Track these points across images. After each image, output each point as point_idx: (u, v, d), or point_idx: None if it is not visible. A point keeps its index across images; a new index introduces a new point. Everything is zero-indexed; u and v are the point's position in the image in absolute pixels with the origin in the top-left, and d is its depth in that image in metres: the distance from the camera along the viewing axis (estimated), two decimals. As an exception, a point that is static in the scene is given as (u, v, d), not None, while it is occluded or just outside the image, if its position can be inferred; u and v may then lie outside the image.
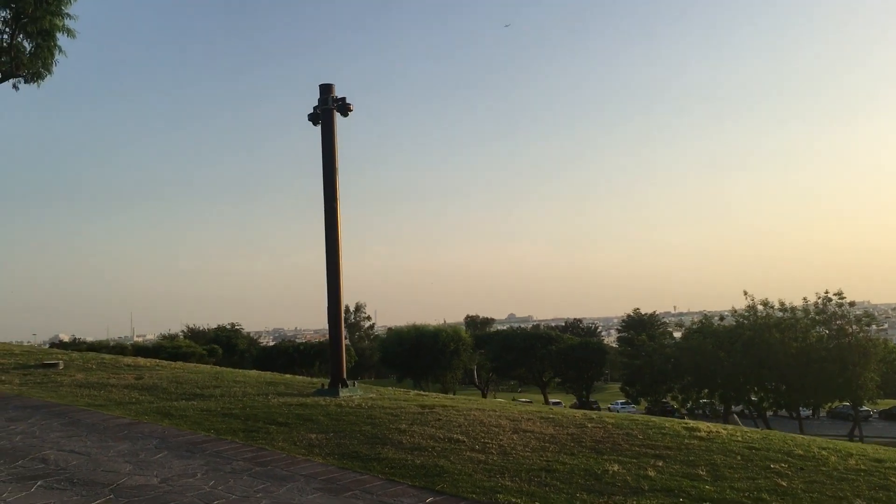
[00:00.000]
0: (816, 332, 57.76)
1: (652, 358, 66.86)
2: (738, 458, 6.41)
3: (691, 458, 6.34)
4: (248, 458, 6.27)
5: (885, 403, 73.24)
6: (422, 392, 10.85)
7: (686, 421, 8.63)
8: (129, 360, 14.76)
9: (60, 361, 12.63)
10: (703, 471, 5.91)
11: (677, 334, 75.65)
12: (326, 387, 9.66)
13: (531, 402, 68.84)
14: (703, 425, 8.06)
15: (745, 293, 60.88)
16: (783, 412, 62.39)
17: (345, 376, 9.76)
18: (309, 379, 12.54)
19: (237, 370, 13.61)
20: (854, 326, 56.01)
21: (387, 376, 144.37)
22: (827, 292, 57.55)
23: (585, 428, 7.64)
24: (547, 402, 73.77)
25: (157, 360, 15.89)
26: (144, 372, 11.86)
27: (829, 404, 63.39)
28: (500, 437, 6.96)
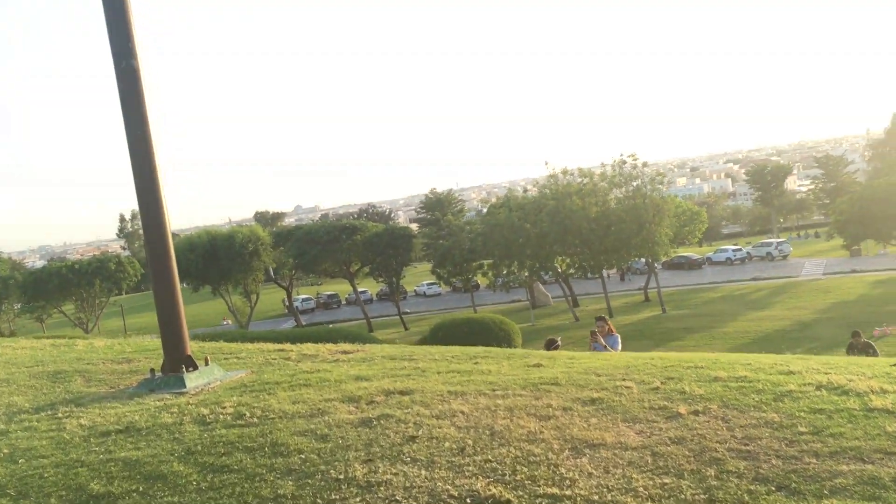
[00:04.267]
0: (614, 196, 59.43)
1: (459, 237, 66.28)
2: None
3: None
4: None
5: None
6: (330, 347, 7.25)
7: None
8: None
9: None
10: None
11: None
12: (159, 373, 5.84)
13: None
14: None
15: (546, 163, 61.32)
16: (590, 276, 64.55)
17: (189, 351, 5.94)
18: (113, 345, 8.42)
19: None
20: (648, 186, 57.97)
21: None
22: (622, 155, 59.08)
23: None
24: (356, 292, 71.78)
25: None
26: None
27: (626, 263, 66.63)
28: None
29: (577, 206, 56.90)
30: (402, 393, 4.84)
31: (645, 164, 59.41)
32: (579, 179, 60.15)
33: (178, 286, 6.08)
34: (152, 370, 5.77)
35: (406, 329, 62.51)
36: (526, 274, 62.95)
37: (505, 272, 63.32)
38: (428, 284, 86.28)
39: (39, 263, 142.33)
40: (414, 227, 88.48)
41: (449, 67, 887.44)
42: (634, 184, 58.16)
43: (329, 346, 7.47)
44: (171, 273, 5.98)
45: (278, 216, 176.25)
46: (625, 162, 58.35)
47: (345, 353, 7.00)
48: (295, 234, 69.40)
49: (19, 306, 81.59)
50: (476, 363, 5.92)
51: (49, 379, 6.06)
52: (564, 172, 60.25)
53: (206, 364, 5.90)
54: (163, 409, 4.90)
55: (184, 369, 5.71)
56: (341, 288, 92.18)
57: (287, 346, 7.56)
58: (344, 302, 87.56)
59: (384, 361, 6.25)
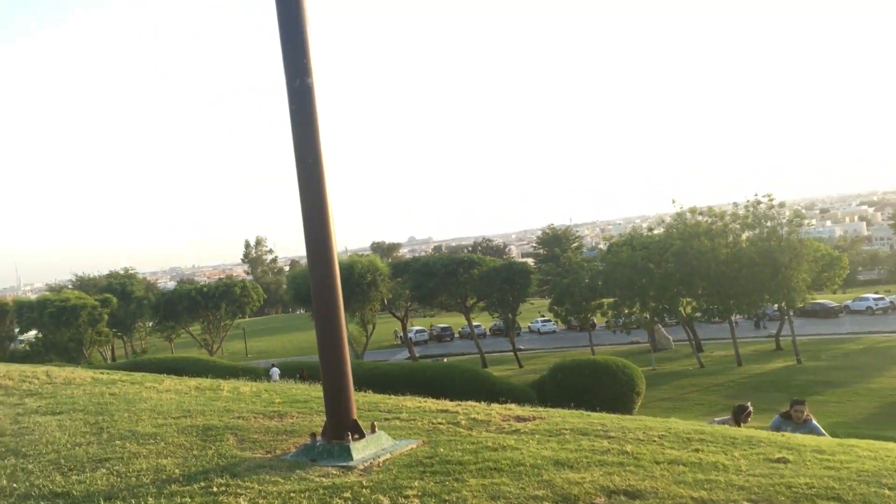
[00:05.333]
0: (747, 237, 56.58)
1: (579, 275, 64.67)
2: None
3: None
4: None
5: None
6: (500, 410, 6.36)
7: None
8: None
9: None
10: None
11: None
12: (320, 439, 5.03)
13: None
14: None
15: (674, 201, 59.23)
16: (716, 320, 61.45)
17: (355, 415, 5.14)
18: (260, 392, 7.76)
19: (141, 395, 7.87)
20: (785, 228, 54.80)
21: (290, 310, 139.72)
22: (756, 195, 56.23)
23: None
24: (471, 326, 71.00)
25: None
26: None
27: (761, 309, 63.02)
28: None
29: (706, 247, 54.48)
30: (629, 495, 3.84)
31: (782, 205, 56.30)
32: (708, 219, 57.61)
33: (346, 340, 5.31)
34: (313, 435, 5.00)
35: (521, 367, 61.20)
36: (648, 316, 60.60)
37: (626, 313, 61.12)
38: (542, 321, 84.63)
39: (170, 285, 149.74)
40: (528, 261, 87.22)
41: (562, 102, 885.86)
42: (769, 225, 55.06)
43: (498, 408, 6.55)
44: (339, 327, 5.22)
45: (394, 247, 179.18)
46: (759, 202, 55.44)
47: (520, 419, 6.07)
48: (412, 266, 69.61)
49: (151, 325, 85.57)
50: (696, 450, 4.85)
51: (199, 436, 5.41)
52: (693, 211, 57.90)
53: (373, 431, 5.08)
54: (332, 491, 4.09)
55: (349, 436, 4.92)
56: (454, 321, 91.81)
57: (450, 405, 6.70)
58: (457, 335, 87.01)
59: (576, 437, 5.26)
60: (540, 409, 6.76)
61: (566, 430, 5.52)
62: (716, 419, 12.99)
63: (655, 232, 65.09)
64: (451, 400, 7.38)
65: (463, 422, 5.92)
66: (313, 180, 5.18)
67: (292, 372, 44.11)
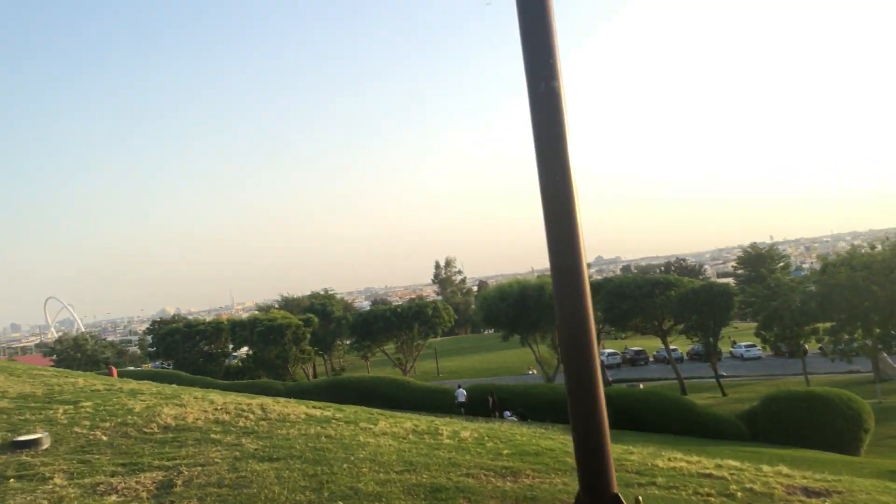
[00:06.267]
0: None
1: (789, 297, 59.63)
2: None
3: None
4: None
5: None
6: (781, 479, 5.18)
7: None
8: (170, 414, 8.20)
9: (44, 436, 6.81)
10: None
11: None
12: (575, 517, 4.05)
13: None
14: None
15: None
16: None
17: (615, 487, 4.14)
18: (483, 440, 6.93)
19: (358, 439, 7.22)
20: None
21: (480, 331, 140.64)
22: None
23: None
24: (668, 350, 67.57)
25: (214, 401, 9.41)
26: (182, 464, 6.30)
27: None
28: None
29: (943, 267, 48.42)
30: None
31: None
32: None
33: (602, 391, 4.31)
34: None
35: (724, 395, 57.18)
36: (871, 342, 54.60)
37: (846, 339, 55.43)
38: (746, 346, 79.08)
39: (365, 304, 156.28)
40: (729, 282, 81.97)
41: (766, 113, 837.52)
42: None
43: (772, 473, 5.31)
44: (595, 375, 4.26)
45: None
46: None
47: (809, 493, 4.82)
48: (605, 288, 67.45)
49: (349, 343, 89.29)
50: None
51: (427, 498, 4.67)
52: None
53: (638, 505, 4.11)
54: None
55: (610, 519, 3.96)
56: (648, 344, 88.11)
57: (711, 466, 5.55)
58: (651, 359, 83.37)
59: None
60: (828, 476, 5.43)
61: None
62: None
63: (878, 250, 58.82)
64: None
65: (738, 494, 4.77)
66: (561, 198, 4.28)
67: (482, 394, 43.82)
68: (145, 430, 6.88)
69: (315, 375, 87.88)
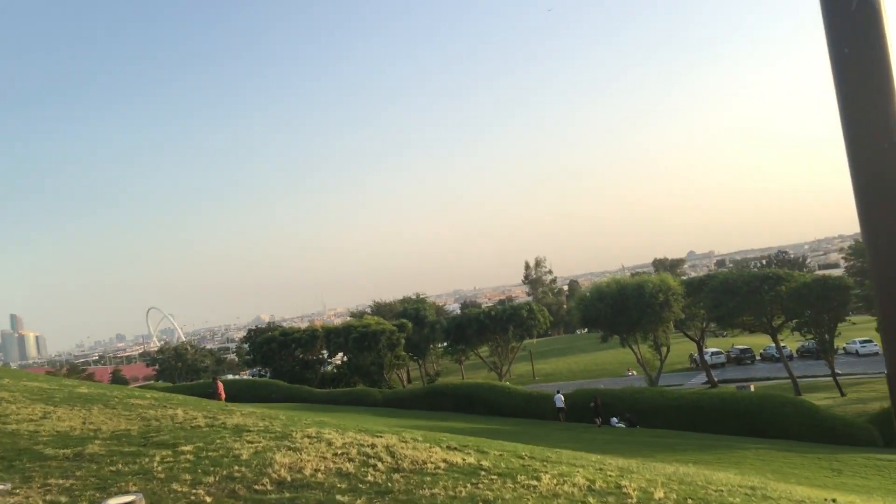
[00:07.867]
0: None
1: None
2: None
3: None
4: None
5: None
6: None
7: None
8: (283, 463, 7.00)
9: (138, 498, 5.17)
10: None
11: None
12: None
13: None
14: None
15: None
16: None
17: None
18: (595, 481, 5.58)
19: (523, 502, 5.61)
20: None
21: (573, 331, 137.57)
22: None
23: None
24: (779, 348, 63.96)
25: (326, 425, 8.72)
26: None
27: None
28: None
29: None
30: None
31: None
32: None
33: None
34: None
35: (842, 394, 53.59)
36: None
37: None
38: (861, 342, 74.17)
39: (455, 307, 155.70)
40: (839, 275, 77.09)
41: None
42: None
43: None
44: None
45: (676, 263, 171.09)
46: None
47: None
48: (709, 284, 64.50)
49: (442, 348, 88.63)
50: None
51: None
52: None
53: None
54: None
55: None
56: (754, 342, 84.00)
57: None
58: (758, 357, 79.39)
59: None
60: None
61: None
62: None
63: None
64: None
65: None
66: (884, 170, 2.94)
67: (584, 398, 42.13)
68: (256, 487, 5.81)
69: (409, 381, 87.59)
